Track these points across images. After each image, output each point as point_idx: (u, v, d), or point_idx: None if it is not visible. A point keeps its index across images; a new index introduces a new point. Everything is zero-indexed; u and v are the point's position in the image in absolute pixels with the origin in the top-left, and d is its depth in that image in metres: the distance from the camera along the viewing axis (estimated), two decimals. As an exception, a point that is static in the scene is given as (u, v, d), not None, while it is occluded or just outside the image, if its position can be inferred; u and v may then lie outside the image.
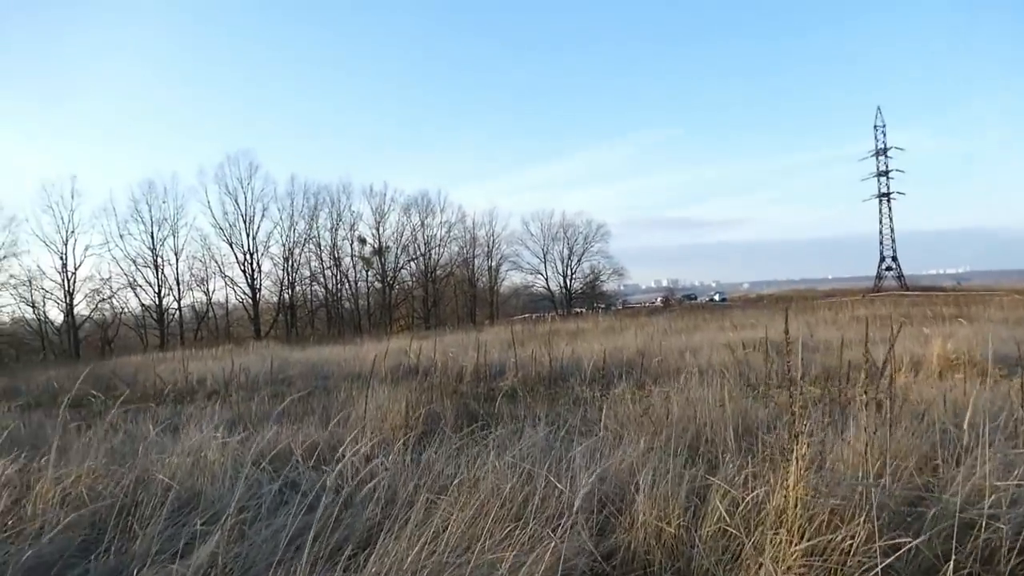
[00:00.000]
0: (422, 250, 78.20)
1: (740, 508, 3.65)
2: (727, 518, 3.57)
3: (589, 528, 3.84)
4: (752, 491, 3.68)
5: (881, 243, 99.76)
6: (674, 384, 10.67)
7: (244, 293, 68.97)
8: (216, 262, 67.67)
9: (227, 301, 70.55)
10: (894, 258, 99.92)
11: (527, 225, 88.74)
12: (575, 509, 3.68)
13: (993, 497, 3.43)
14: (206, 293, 68.16)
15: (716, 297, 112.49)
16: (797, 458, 3.54)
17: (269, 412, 8.64)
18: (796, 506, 3.43)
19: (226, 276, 68.14)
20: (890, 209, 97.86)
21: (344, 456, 5.03)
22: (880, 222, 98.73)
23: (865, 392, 5.34)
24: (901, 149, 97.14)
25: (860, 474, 3.96)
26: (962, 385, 8.50)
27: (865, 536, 3.30)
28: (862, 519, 3.31)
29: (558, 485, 4.09)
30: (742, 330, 19.35)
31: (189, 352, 28.99)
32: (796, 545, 3.34)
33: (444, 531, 3.59)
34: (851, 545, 3.33)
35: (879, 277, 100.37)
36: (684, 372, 11.14)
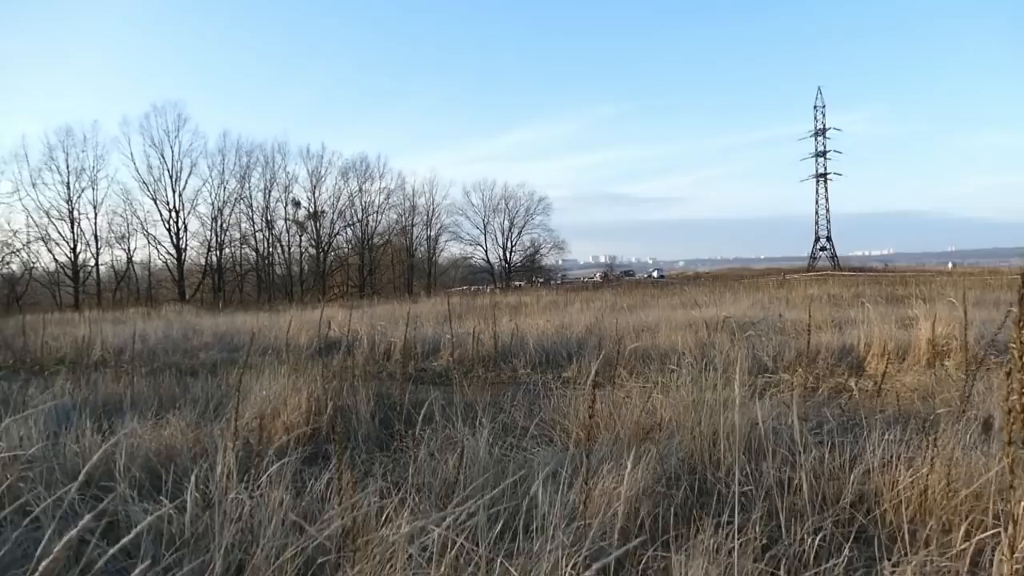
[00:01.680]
0: (359, 216, 75.50)
1: None
2: None
3: None
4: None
5: (816, 223, 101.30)
6: (644, 371, 9.20)
7: (168, 253, 65.31)
8: (138, 218, 63.85)
9: (150, 260, 66.77)
10: (828, 238, 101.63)
11: (468, 195, 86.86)
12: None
13: None
14: (126, 251, 64.26)
15: (655, 274, 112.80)
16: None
17: (133, 396, 6.83)
18: None
19: (149, 234, 64.32)
20: (827, 190, 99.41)
21: (194, 481, 3.36)
22: (816, 202, 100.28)
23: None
24: (839, 130, 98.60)
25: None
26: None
27: None
28: None
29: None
30: (694, 308, 18.08)
31: (96, 314, 26.43)
32: None
33: None
34: None
35: (813, 257, 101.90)
36: (658, 357, 9.70)
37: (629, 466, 3.47)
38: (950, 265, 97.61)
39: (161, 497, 3.45)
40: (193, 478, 3.25)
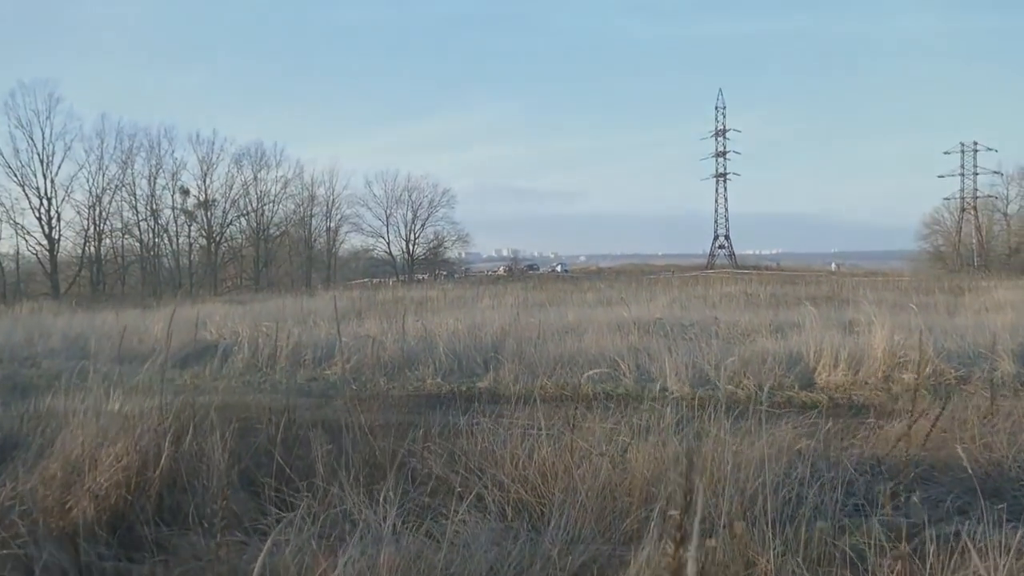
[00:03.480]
0: (254, 206, 71.58)
1: None
2: None
3: None
4: None
5: (716, 222, 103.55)
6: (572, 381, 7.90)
7: (39, 243, 59.83)
8: (4, 207, 58.12)
9: (17, 253, 60.98)
10: (727, 236, 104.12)
11: (370, 185, 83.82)
12: None
13: None
14: (-9, 242, 58.54)
15: (559, 268, 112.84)
16: None
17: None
18: None
19: (16, 223, 58.70)
20: (726, 189, 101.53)
21: None
22: (716, 201, 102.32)
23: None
24: (739, 131, 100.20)
25: None
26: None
27: None
28: None
29: None
30: (613, 306, 16.97)
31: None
32: None
33: None
34: None
35: (712, 255, 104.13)
36: (587, 364, 8.34)
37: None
38: (833, 266, 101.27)
39: None
40: None
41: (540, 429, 4.15)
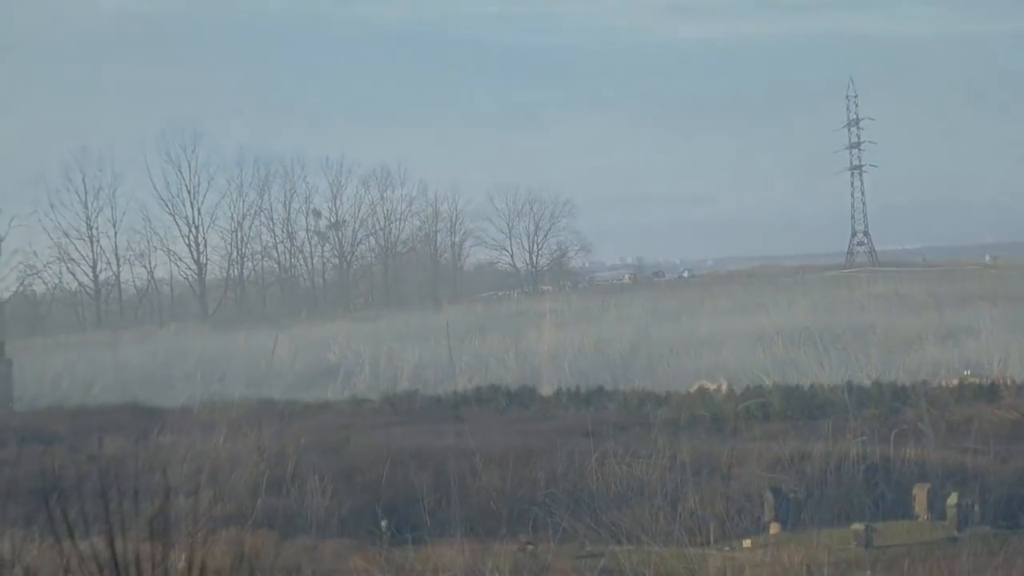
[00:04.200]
0: (381, 224, 74.13)
1: None
2: None
3: None
4: None
5: (853, 217, 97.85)
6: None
7: (189, 268, 64.34)
8: (158, 235, 62.98)
9: (171, 277, 65.85)
10: (866, 232, 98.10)
11: (492, 199, 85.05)
12: None
13: None
14: (147, 268, 63.48)
15: (685, 274, 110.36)
16: None
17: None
18: None
19: (169, 250, 63.47)
20: (862, 182, 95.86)
21: None
22: (852, 195, 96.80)
23: None
24: (872, 119, 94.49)
25: None
26: None
27: None
28: None
29: None
30: (750, 313, 15.85)
31: (92, 335, 24.82)
32: None
33: None
34: None
35: (850, 253, 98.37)
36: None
37: None
38: (987, 258, 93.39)
39: None
40: None
41: (687, 474, 3.47)
